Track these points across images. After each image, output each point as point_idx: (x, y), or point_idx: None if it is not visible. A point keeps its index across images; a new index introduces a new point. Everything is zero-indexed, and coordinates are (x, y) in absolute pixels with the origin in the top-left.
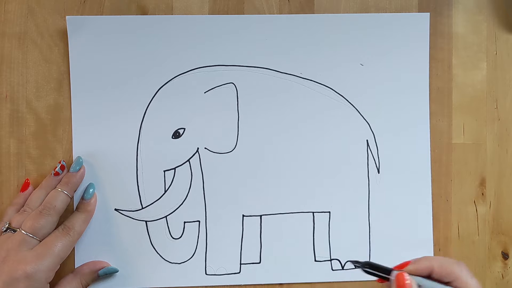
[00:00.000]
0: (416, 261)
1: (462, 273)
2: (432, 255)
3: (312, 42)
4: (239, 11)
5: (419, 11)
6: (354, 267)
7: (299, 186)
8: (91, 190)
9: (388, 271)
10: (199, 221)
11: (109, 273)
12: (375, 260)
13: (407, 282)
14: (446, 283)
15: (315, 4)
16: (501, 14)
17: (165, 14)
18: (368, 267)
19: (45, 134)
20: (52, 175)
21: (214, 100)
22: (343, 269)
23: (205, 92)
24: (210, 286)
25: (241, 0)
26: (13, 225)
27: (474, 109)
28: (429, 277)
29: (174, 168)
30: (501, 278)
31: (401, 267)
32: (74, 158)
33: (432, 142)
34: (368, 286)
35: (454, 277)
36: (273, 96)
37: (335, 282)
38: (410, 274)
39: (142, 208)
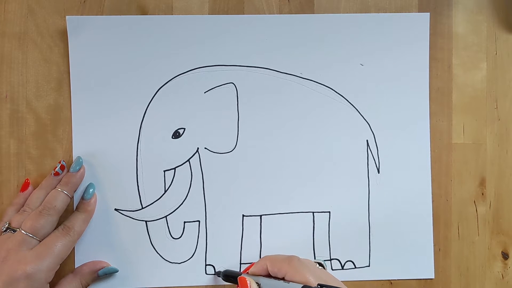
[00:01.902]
0: (256, 262)
1: (290, 268)
2: (432, 255)
3: (312, 42)
4: (239, 11)
5: (419, 11)
6: (218, 276)
7: (299, 186)
8: (91, 190)
9: (238, 275)
10: (199, 221)
11: (109, 273)
12: (375, 259)
13: (248, 282)
14: (282, 278)
15: (315, 4)
16: (501, 14)
17: (165, 14)
18: (224, 275)
19: (45, 134)
20: (52, 175)
21: (214, 100)
22: (343, 268)
23: (205, 92)
24: (210, 286)
25: (241, 0)
26: (13, 225)
27: (474, 109)
28: (269, 275)
29: (174, 168)
30: (501, 278)
31: (245, 270)
32: (74, 158)
33: (432, 142)
34: (368, 285)
35: (284, 272)
36: (273, 96)
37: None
38: (253, 274)
39: (142, 208)
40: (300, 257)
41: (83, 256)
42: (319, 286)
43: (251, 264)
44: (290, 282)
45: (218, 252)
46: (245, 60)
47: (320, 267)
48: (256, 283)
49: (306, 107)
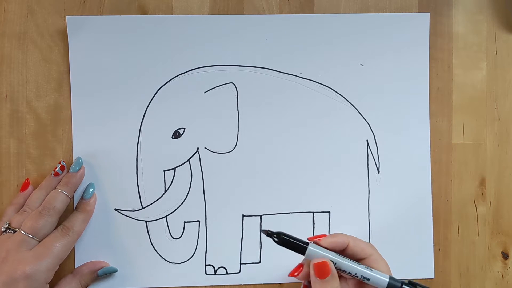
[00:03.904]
0: (333, 235)
1: (374, 252)
2: (432, 255)
3: (312, 42)
4: (239, 11)
5: (419, 11)
6: (266, 235)
7: (299, 186)
8: (90, 190)
9: (304, 243)
10: (199, 221)
11: (108, 273)
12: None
13: (330, 268)
14: (359, 260)
15: (315, 4)
16: (501, 14)
17: (165, 14)
18: (282, 238)
19: (45, 134)
20: (52, 175)
21: (214, 100)
22: None
23: (205, 92)
24: (210, 286)
25: (241, 0)
26: (13, 225)
27: (474, 109)
28: (342, 252)
29: (174, 168)
30: (501, 278)
31: (315, 238)
32: (74, 158)
33: (432, 142)
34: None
35: (366, 254)
36: (273, 96)
37: None
38: (325, 247)
39: (142, 208)
40: (300, 257)
41: (83, 256)
42: (407, 281)
43: (321, 235)
44: (375, 270)
45: (218, 252)
46: (245, 60)
47: None
48: (332, 259)
49: (306, 107)
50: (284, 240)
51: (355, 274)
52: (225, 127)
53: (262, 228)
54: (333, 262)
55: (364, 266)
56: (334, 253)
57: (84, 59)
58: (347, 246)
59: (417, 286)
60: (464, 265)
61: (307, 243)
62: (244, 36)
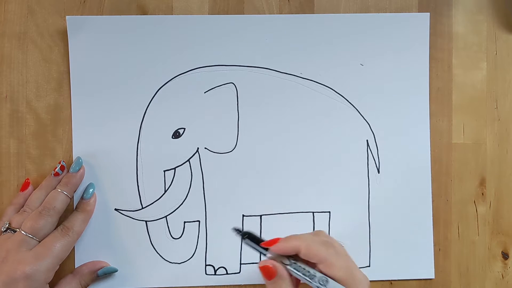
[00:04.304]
0: (286, 239)
1: (328, 255)
2: (432, 255)
3: (312, 42)
4: (239, 11)
5: (419, 11)
6: (236, 234)
7: (299, 186)
8: (90, 190)
9: (263, 248)
10: (199, 221)
11: (108, 273)
12: (375, 259)
13: (276, 271)
14: (314, 264)
15: (315, 4)
16: (501, 14)
17: (165, 14)
18: (247, 237)
19: (45, 134)
20: (52, 175)
21: (214, 100)
22: None
23: (205, 92)
24: (210, 286)
25: (241, 0)
26: (13, 225)
27: (474, 109)
28: (297, 256)
29: (174, 168)
30: (501, 278)
31: (270, 243)
32: (74, 158)
33: (432, 142)
34: None
35: (318, 259)
36: (273, 96)
37: None
38: (278, 252)
39: (142, 208)
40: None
41: (83, 256)
42: None
43: (276, 239)
44: (332, 280)
45: (218, 252)
46: (245, 60)
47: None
48: (287, 263)
49: (306, 107)
50: (248, 243)
51: (307, 279)
52: (225, 127)
53: (234, 227)
54: (285, 264)
55: (322, 274)
56: (288, 258)
57: (84, 59)
58: (300, 251)
59: None
60: (464, 265)
61: (267, 249)
62: (244, 36)
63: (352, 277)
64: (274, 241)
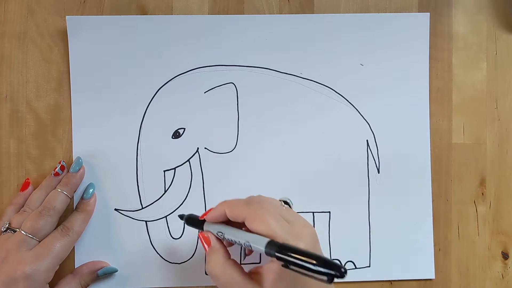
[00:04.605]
0: (215, 208)
1: (249, 212)
2: (432, 255)
3: (312, 42)
4: (239, 11)
5: (419, 11)
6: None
7: (299, 186)
8: (90, 190)
9: (201, 223)
10: None
11: (108, 273)
12: (375, 259)
13: (209, 240)
14: (242, 226)
15: (315, 4)
16: (501, 14)
17: (165, 14)
18: (188, 218)
19: (45, 134)
20: (52, 175)
21: (214, 100)
22: None
23: (205, 92)
24: (210, 286)
25: (241, 0)
26: (13, 225)
27: (474, 109)
28: (229, 221)
29: (174, 168)
30: (501, 278)
31: (204, 215)
32: (74, 158)
33: (432, 142)
34: (368, 286)
35: (242, 218)
36: (273, 96)
37: (335, 282)
38: (210, 220)
39: (142, 208)
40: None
41: (83, 256)
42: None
43: (209, 209)
44: (253, 234)
45: None
46: (245, 60)
47: (285, 205)
48: (219, 232)
49: (306, 107)
50: (188, 221)
51: (238, 242)
52: (225, 127)
53: (179, 214)
54: (221, 233)
55: (245, 230)
56: (223, 224)
57: (84, 59)
58: (226, 215)
59: (293, 251)
60: (464, 265)
61: (204, 221)
62: (244, 36)
63: (273, 230)
64: (207, 213)
